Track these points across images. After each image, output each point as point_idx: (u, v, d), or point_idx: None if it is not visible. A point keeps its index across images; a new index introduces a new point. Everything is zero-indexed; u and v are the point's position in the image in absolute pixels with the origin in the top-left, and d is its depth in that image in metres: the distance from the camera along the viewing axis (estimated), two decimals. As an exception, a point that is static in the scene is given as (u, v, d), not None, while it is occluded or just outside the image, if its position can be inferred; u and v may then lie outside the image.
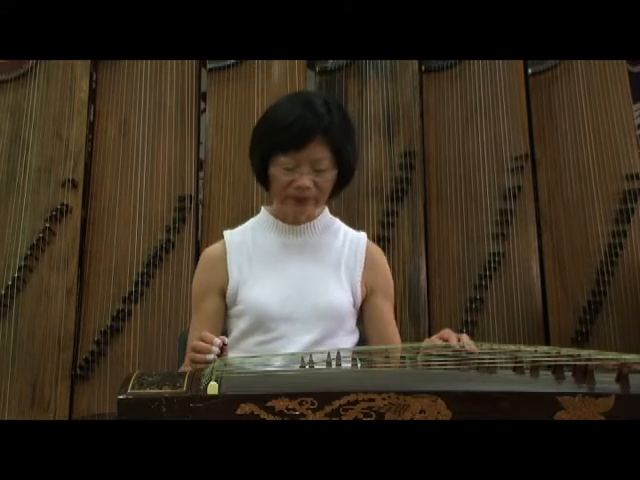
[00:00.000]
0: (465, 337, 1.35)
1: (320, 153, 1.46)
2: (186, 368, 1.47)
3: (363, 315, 1.65)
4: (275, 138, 1.47)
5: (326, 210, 1.64)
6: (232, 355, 1.44)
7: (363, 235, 1.65)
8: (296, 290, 1.56)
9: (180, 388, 1.16)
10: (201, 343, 1.31)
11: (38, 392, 2.50)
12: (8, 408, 2.47)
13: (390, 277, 1.67)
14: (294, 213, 1.56)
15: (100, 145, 2.70)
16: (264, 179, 1.55)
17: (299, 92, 1.60)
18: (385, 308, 1.64)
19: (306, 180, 1.47)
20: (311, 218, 1.60)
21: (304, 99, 1.51)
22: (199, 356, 1.30)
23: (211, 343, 1.30)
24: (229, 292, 1.57)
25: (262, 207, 1.65)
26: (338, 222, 1.66)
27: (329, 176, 1.50)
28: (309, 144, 1.45)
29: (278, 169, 1.49)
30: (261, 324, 1.55)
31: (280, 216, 1.60)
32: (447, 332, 1.36)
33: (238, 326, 1.58)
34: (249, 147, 1.57)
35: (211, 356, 1.29)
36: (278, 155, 1.47)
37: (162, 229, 2.63)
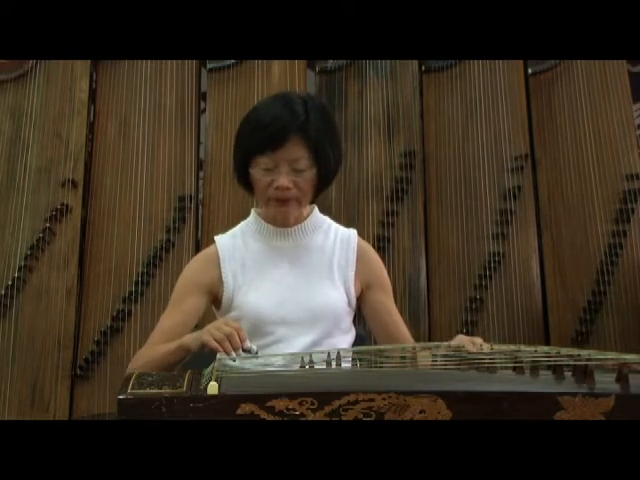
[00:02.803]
0: (478, 340, 1.35)
1: (297, 152, 1.46)
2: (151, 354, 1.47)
3: (365, 312, 1.66)
4: (252, 139, 1.47)
5: (315, 210, 1.64)
6: None
7: (353, 232, 1.65)
8: (291, 293, 1.56)
9: (180, 388, 1.16)
10: (236, 337, 1.32)
11: (38, 392, 2.50)
12: (8, 408, 2.47)
13: (383, 269, 1.67)
14: (278, 215, 1.56)
15: (100, 145, 2.70)
16: (246, 181, 1.55)
17: (280, 93, 1.58)
18: (385, 301, 1.64)
19: (285, 180, 1.47)
20: (300, 220, 1.59)
21: (282, 100, 1.50)
22: (228, 347, 1.31)
23: (243, 340, 1.32)
24: (224, 298, 1.58)
25: (252, 210, 1.64)
26: (328, 220, 1.65)
27: (308, 175, 1.49)
28: (285, 143, 1.44)
29: (257, 170, 1.49)
30: (258, 329, 1.55)
31: (269, 219, 1.60)
32: (460, 339, 1.37)
33: None
34: (232, 150, 1.56)
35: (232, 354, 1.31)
36: (257, 156, 1.47)
37: (162, 229, 2.63)
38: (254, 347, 1.35)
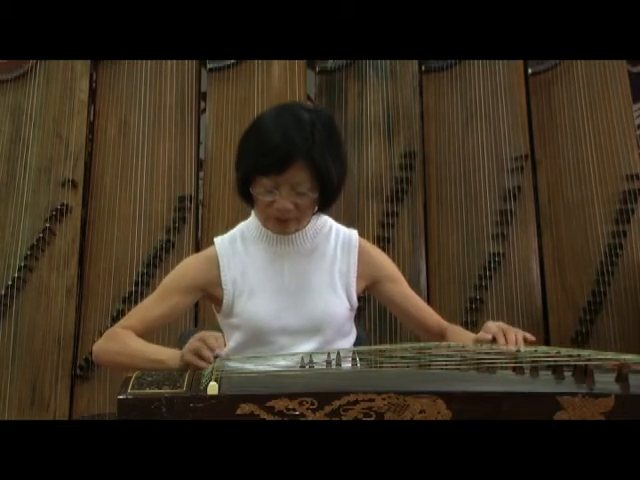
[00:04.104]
0: (520, 335, 1.34)
1: (300, 176, 1.43)
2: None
3: (385, 305, 1.69)
4: (256, 161, 1.44)
5: (317, 214, 1.60)
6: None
7: (354, 235, 1.62)
8: (291, 301, 1.55)
9: (180, 388, 1.16)
10: (204, 350, 1.30)
11: (38, 392, 2.50)
12: (8, 408, 2.47)
13: (387, 261, 1.66)
14: (278, 232, 1.55)
15: (100, 145, 2.71)
16: (246, 195, 1.52)
17: (287, 108, 1.52)
18: (398, 290, 1.64)
19: (285, 203, 1.45)
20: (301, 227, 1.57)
21: (290, 119, 1.45)
22: (201, 362, 1.29)
23: (218, 348, 1.29)
24: (224, 304, 1.56)
25: (252, 213, 1.60)
26: (329, 222, 1.63)
27: (310, 198, 1.47)
28: (289, 168, 1.42)
29: (259, 190, 1.46)
30: (259, 337, 1.54)
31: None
32: (491, 327, 1.36)
33: (235, 338, 1.58)
34: (235, 161, 1.54)
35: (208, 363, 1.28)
36: (259, 177, 1.45)
37: (162, 229, 2.64)
38: (222, 354, 1.32)
